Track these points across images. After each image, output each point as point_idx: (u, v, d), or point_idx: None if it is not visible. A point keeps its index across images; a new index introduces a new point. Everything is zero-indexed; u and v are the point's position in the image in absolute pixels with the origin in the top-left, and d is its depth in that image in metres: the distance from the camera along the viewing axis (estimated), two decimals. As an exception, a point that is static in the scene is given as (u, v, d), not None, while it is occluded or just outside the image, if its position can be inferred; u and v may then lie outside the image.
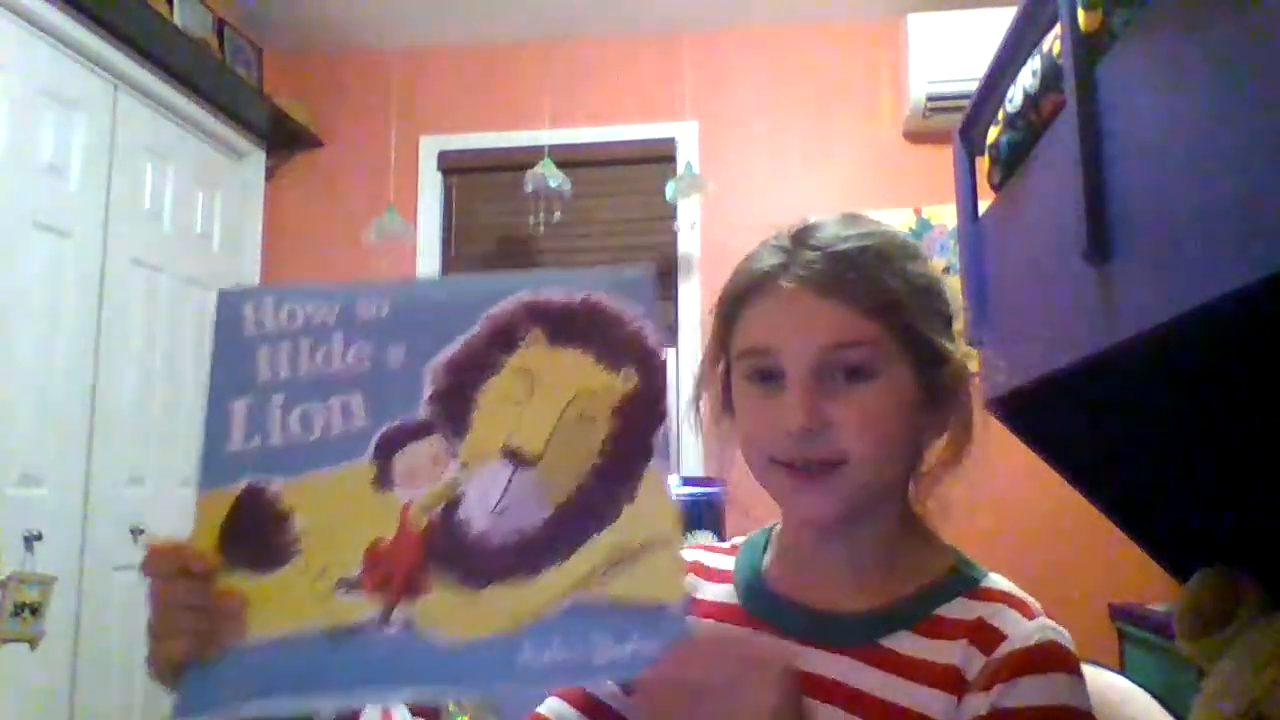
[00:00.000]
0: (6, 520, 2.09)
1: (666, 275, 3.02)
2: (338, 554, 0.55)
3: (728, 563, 0.76)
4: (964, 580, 0.66)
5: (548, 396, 0.57)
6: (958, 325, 0.69)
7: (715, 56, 3.10)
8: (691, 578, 0.76)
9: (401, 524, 0.55)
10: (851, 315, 0.63)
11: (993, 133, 1.46)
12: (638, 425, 0.56)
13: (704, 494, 2.70)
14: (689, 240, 3.00)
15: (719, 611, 0.72)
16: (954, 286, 0.70)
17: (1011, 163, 1.41)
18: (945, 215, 2.85)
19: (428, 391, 0.58)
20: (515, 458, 0.56)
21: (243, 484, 0.56)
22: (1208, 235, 0.82)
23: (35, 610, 2.12)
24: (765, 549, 0.75)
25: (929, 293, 0.66)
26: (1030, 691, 0.59)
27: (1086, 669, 0.77)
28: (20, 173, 2.18)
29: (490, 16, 3.05)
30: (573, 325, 0.59)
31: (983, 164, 1.54)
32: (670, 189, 2.83)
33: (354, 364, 0.59)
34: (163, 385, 2.66)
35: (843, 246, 0.65)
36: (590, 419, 0.57)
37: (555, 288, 0.60)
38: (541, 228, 2.97)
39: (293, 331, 0.60)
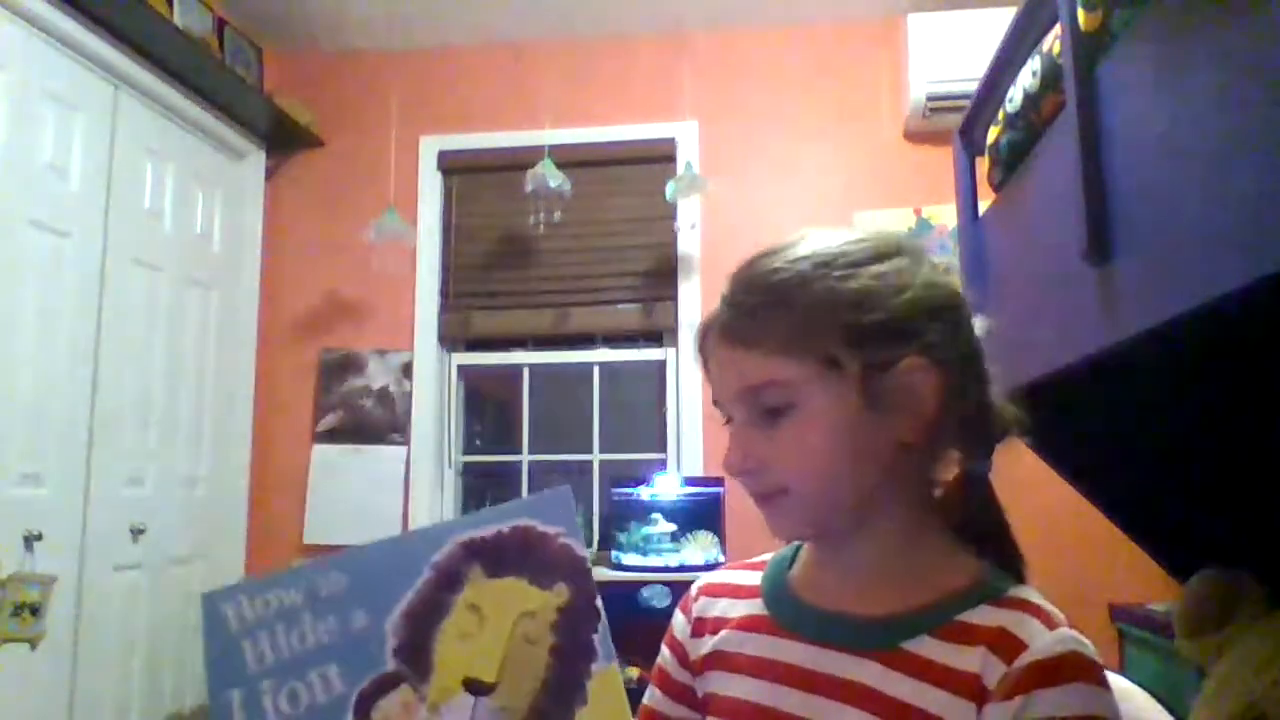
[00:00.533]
0: (6, 520, 2.09)
1: (667, 275, 3.02)
2: None
3: (756, 578, 0.79)
4: (989, 589, 0.66)
5: (495, 625, 0.64)
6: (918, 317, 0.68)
7: (715, 56, 3.10)
8: (727, 601, 0.79)
9: None
10: (757, 359, 0.67)
11: (993, 133, 1.46)
12: (577, 632, 0.63)
13: (704, 494, 2.70)
14: (689, 240, 3.00)
15: (749, 623, 0.74)
16: (898, 282, 0.68)
17: (1011, 163, 1.41)
18: (945, 215, 2.85)
19: (391, 645, 0.64)
20: (474, 689, 0.62)
21: None
22: (1208, 235, 0.82)
23: (35, 610, 2.12)
24: (793, 561, 0.77)
25: (835, 311, 0.66)
26: (1051, 703, 0.59)
27: None
28: (20, 173, 2.18)
29: (490, 17, 3.05)
30: (505, 555, 0.66)
31: (983, 164, 1.54)
32: (670, 189, 2.83)
33: (325, 637, 0.66)
34: (163, 385, 2.66)
35: (743, 295, 0.68)
36: (535, 639, 0.63)
37: (486, 525, 0.67)
38: (541, 228, 2.97)
39: (269, 619, 0.67)
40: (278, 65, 3.20)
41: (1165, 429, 1.40)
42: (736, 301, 0.69)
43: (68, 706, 2.25)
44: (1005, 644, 0.61)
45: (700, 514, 2.67)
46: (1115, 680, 0.75)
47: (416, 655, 0.64)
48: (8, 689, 2.07)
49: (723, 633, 0.76)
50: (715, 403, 0.73)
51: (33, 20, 2.21)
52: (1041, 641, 0.61)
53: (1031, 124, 1.32)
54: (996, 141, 1.44)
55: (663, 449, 3.01)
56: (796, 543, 0.79)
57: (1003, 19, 1.40)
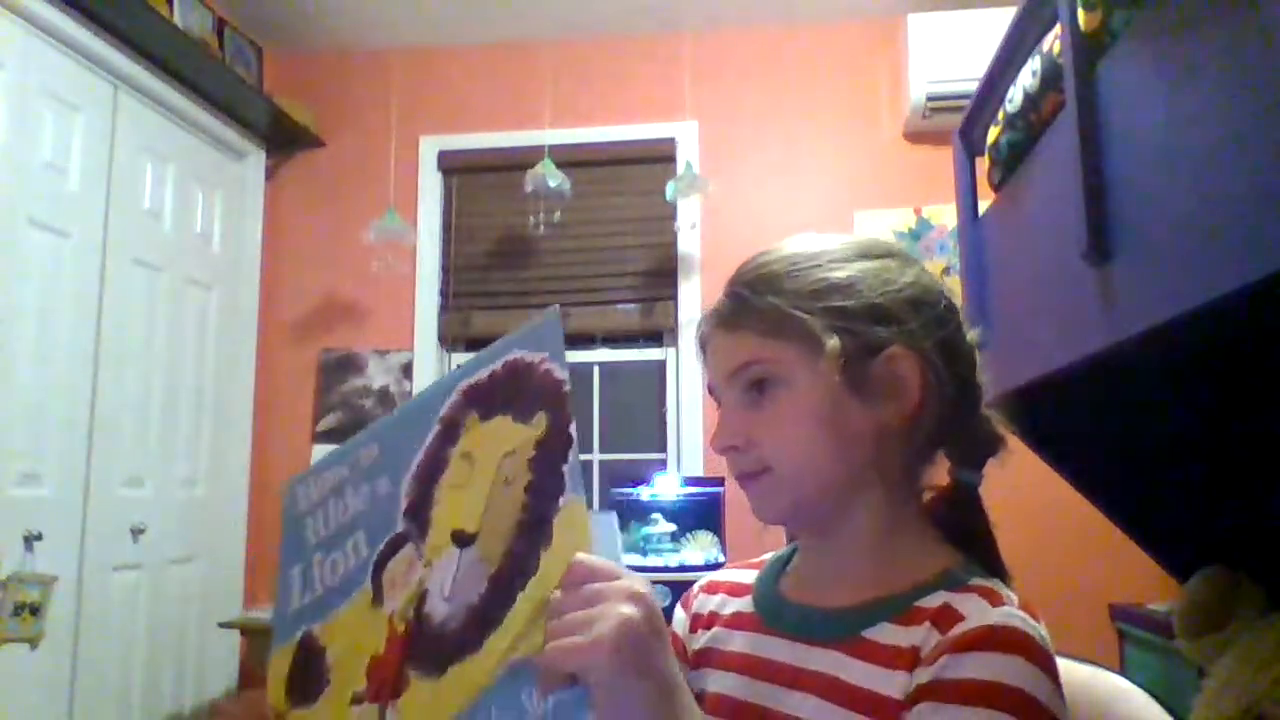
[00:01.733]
0: (6, 520, 2.09)
1: (667, 275, 3.02)
2: (351, 674, 0.61)
3: (753, 577, 0.80)
4: (953, 578, 0.66)
5: (482, 472, 0.60)
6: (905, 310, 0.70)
7: (715, 56, 3.10)
8: (722, 597, 0.80)
9: (389, 633, 0.60)
10: (747, 340, 0.70)
11: (993, 133, 1.46)
12: (550, 466, 0.59)
13: (704, 494, 2.70)
14: (689, 240, 3.00)
15: (738, 620, 0.76)
16: (878, 274, 0.70)
17: (1011, 163, 1.41)
18: (945, 215, 2.85)
19: (403, 505, 0.64)
20: (459, 541, 0.59)
21: (298, 636, 0.65)
22: (1208, 235, 0.82)
23: (35, 610, 2.12)
24: (788, 561, 0.79)
25: (820, 296, 0.68)
26: (970, 665, 0.58)
27: (1085, 669, 0.76)
28: (20, 173, 2.18)
29: (490, 17, 3.05)
30: (496, 394, 0.63)
31: (983, 164, 1.54)
32: (670, 189, 2.83)
33: (359, 505, 0.67)
34: (163, 385, 2.66)
35: (739, 284, 0.71)
36: (512, 479, 0.59)
37: (484, 366, 0.64)
38: (541, 228, 2.97)
39: (324, 496, 0.69)
40: (278, 65, 3.20)
41: (1165, 429, 1.40)
42: (731, 291, 0.72)
43: (68, 706, 2.25)
44: (945, 617, 0.62)
45: (700, 514, 2.67)
46: (1114, 680, 0.75)
47: (419, 513, 0.62)
48: (8, 689, 2.07)
49: (714, 629, 0.77)
50: (710, 390, 0.75)
51: (33, 20, 2.21)
52: (981, 614, 0.61)
53: (1031, 124, 1.32)
54: (996, 141, 1.44)
55: (663, 449, 3.01)
56: (794, 545, 0.79)
57: (1003, 19, 1.40)
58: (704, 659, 0.76)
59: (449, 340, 3.13)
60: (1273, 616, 1.30)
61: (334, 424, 3.06)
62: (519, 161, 2.95)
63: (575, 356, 3.11)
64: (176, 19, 2.59)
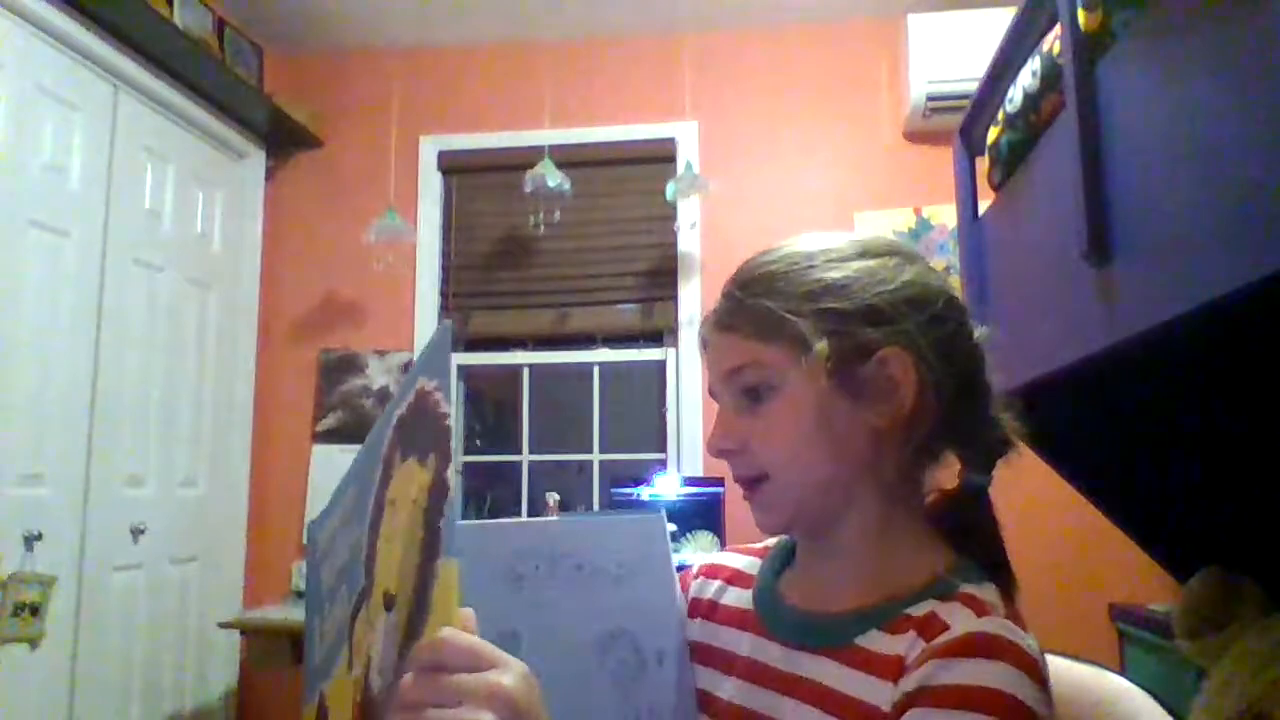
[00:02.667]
0: (6, 520, 2.09)
1: (667, 275, 3.02)
2: None
3: (755, 567, 0.80)
4: (944, 585, 0.65)
5: (401, 523, 0.52)
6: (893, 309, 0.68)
7: (715, 56, 3.10)
8: (720, 584, 0.80)
9: (353, 704, 0.55)
10: (739, 342, 0.69)
11: (993, 133, 1.46)
12: (434, 519, 0.49)
13: (704, 494, 2.70)
14: (689, 240, 3.00)
15: (737, 616, 0.76)
16: (874, 273, 0.69)
17: (1011, 163, 1.40)
18: (945, 215, 2.85)
19: (363, 556, 0.57)
20: (386, 604, 0.52)
21: (316, 698, 0.63)
22: (1208, 235, 0.82)
23: (35, 610, 2.12)
24: (790, 557, 0.78)
25: (816, 298, 0.67)
26: (955, 672, 0.57)
27: (1086, 668, 0.76)
28: (20, 173, 2.18)
29: (490, 17, 3.05)
30: (407, 430, 0.55)
31: (983, 164, 1.54)
32: (670, 189, 2.83)
33: (344, 554, 0.62)
34: (163, 385, 2.66)
35: (735, 286, 0.71)
36: (412, 532, 0.50)
37: (405, 392, 0.56)
38: (541, 228, 2.97)
39: (331, 539, 0.66)
40: (278, 65, 3.20)
41: (1165, 429, 1.39)
42: (728, 292, 0.72)
43: (68, 706, 2.25)
44: (931, 626, 0.62)
45: (700, 514, 2.67)
46: (1115, 681, 0.75)
47: (370, 566, 0.55)
48: (8, 689, 2.07)
49: (715, 624, 0.77)
50: (711, 392, 0.74)
51: (33, 20, 2.21)
52: (965, 624, 0.61)
53: (1031, 124, 1.32)
54: (996, 141, 1.44)
55: (663, 449, 3.01)
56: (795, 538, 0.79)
57: (1003, 19, 1.40)
58: (708, 657, 0.75)
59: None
60: (1273, 617, 1.30)
61: (334, 424, 3.06)
62: (519, 161, 2.95)
63: (575, 356, 3.11)
64: (176, 19, 2.59)
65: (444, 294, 3.13)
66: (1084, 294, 1.08)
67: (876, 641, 0.64)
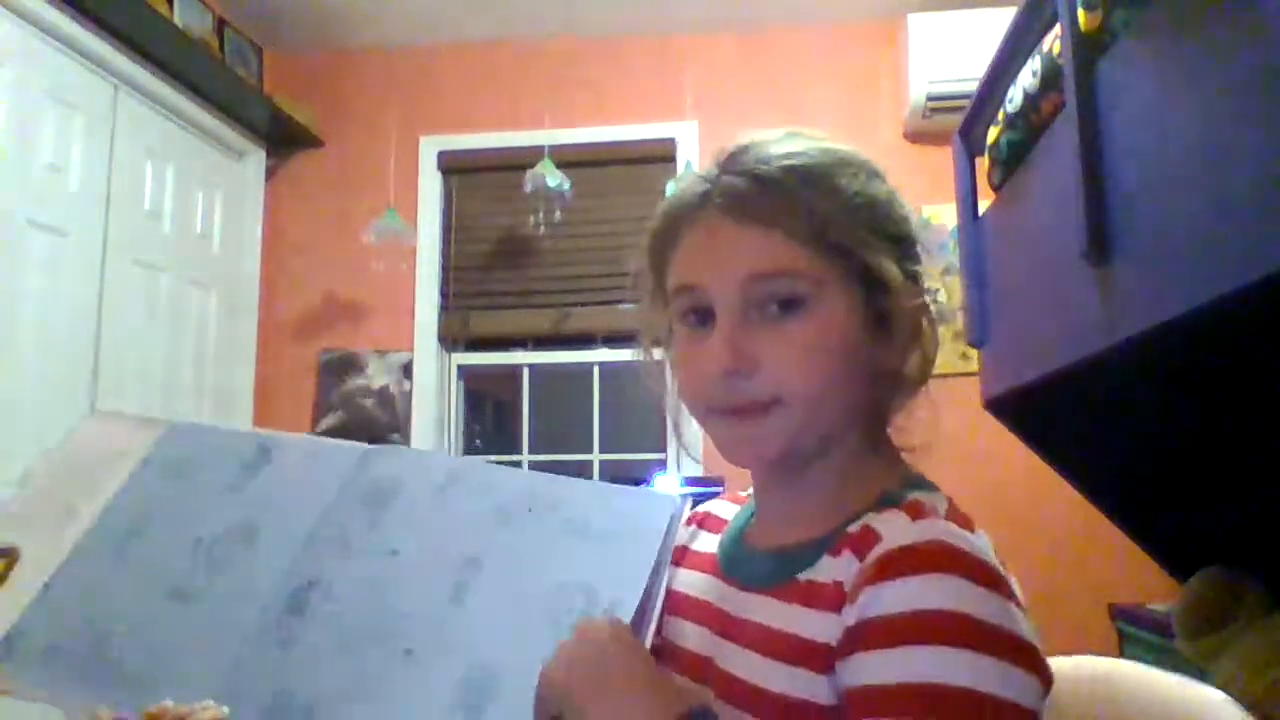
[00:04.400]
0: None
1: (666, 275, 3.02)
2: None
3: (733, 513, 0.75)
4: (890, 497, 0.58)
5: None
6: (923, 248, 0.65)
7: (715, 56, 3.10)
8: (693, 529, 0.77)
9: None
10: (776, 242, 0.58)
11: (993, 133, 1.46)
12: None
13: (704, 494, 2.70)
14: (689, 240, 3.00)
15: (700, 561, 0.72)
16: (905, 205, 0.64)
17: (1011, 163, 1.41)
18: (945, 215, 2.85)
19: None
20: None
21: None
22: (1208, 235, 0.82)
23: None
24: None
25: (871, 211, 0.60)
26: (894, 598, 0.50)
27: (1174, 677, 0.70)
28: (20, 173, 2.18)
29: (491, 17, 3.05)
30: None
31: (983, 164, 1.55)
32: (670, 189, 2.82)
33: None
34: (163, 385, 2.66)
35: (766, 168, 0.60)
36: None
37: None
38: (541, 228, 2.97)
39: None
40: (278, 65, 3.20)
41: (1166, 429, 1.40)
42: (756, 173, 0.60)
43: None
44: (863, 542, 0.55)
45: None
46: (1194, 689, 0.69)
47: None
48: (8, 689, 2.06)
49: (682, 568, 0.73)
50: (687, 288, 0.62)
51: (33, 20, 2.21)
52: (898, 532, 0.54)
53: (1031, 124, 1.32)
54: (996, 141, 1.44)
55: (663, 449, 3.01)
56: None
57: (1003, 19, 1.40)
58: (676, 604, 0.71)
59: (449, 340, 3.13)
60: (1273, 616, 1.30)
61: (334, 424, 3.06)
62: (519, 161, 2.95)
63: (575, 356, 3.11)
64: (176, 19, 2.59)
65: (444, 294, 3.13)
66: (1084, 294, 1.08)
67: (819, 570, 0.58)
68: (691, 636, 0.67)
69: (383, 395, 3.06)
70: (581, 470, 3.10)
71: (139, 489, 0.76)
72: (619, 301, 3.04)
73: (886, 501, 0.58)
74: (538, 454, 3.15)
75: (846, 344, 0.59)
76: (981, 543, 0.53)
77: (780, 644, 0.57)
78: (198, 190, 2.87)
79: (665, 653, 0.68)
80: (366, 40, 3.19)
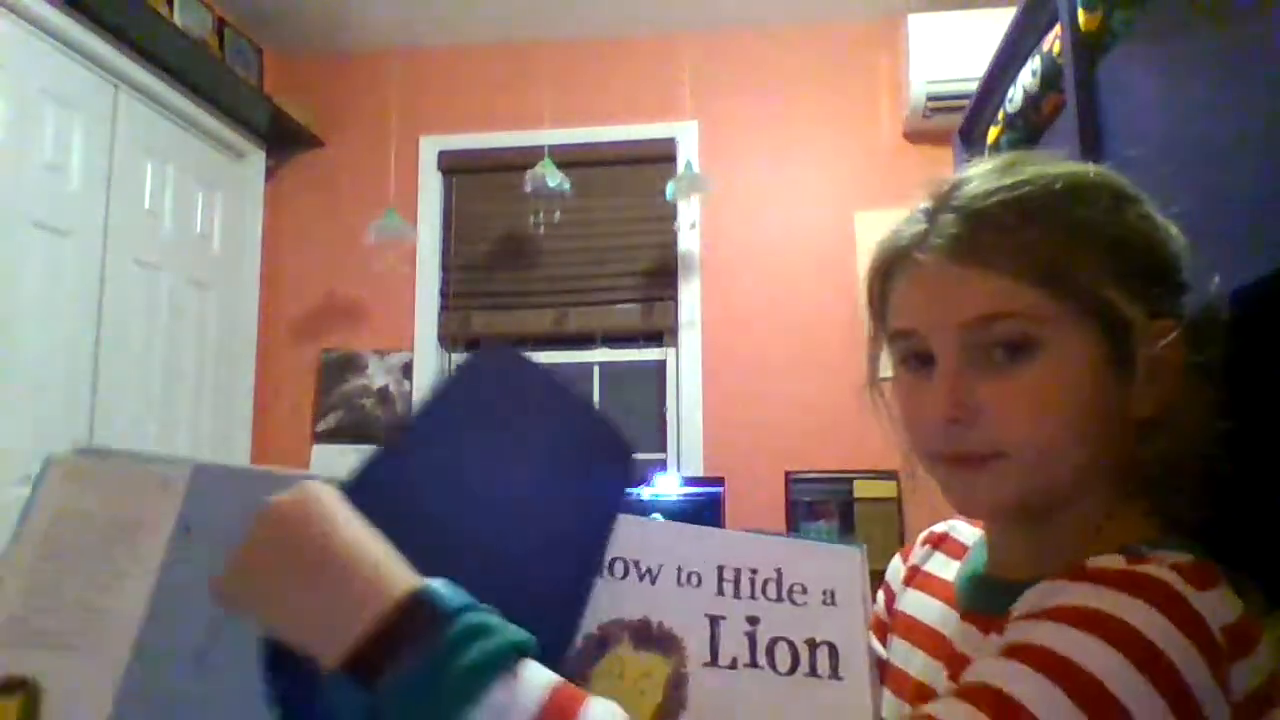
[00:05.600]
0: (6, 520, 2.09)
1: (667, 275, 3.02)
2: None
3: (974, 538, 0.70)
4: (1128, 551, 0.52)
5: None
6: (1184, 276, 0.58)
7: (715, 56, 3.10)
8: (928, 549, 0.73)
9: None
10: (997, 282, 0.54)
11: (993, 133, 1.46)
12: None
13: (704, 494, 2.70)
14: (689, 240, 3.00)
15: (934, 585, 0.69)
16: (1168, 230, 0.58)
17: (1011, 163, 1.40)
18: (945, 215, 2.84)
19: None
20: None
21: None
22: (1207, 235, 0.82)
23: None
24: None
25: (1109, 241, 0.55)
26: (1080, 594, 0.47)
27: None
28: (20, 173, 2.18)
29: (490, 17, 3.05)
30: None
31: (982, 164, 1.54)
32: (670, 189, 2.83)
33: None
34: (162, 386, 2.66)
35: (984, 204, 0.56)
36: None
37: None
38: (541, 228, 2.97)
39: None
40: (278, 65, 3.20)
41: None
42: (974, 210, 0.56)
43: (68, 706, 2.24)
44: (1075, 572, 0.51)
45: (700, 514, 2.66)
46: None
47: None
48: (8, 689, 2.06)
49: (911, 588, 0.71)
50: (906, 333, 0.59)
51: (33, 20, 2.21)
52: (1104, 560, 0.50)
53: (1031, 124, 1.32)
54: (996, 141, 1.44)
55: (663, 449, 3.01)
56: None
57: (1003, 19, 1.40)
58: (897, 623, 0.69)
59: (449, 340, 3.13)
60: (1273, 616, 1.30)
61: (334, 424, 3.06)
62: (519, 161, 2.95)
63: (575, 356, 3.11)
64: (176, 19, 2.59)
65: (444, 294, 3.13)
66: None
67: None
68: (916, 664, 0.64)
69: (383, 395, 3.06)
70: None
71: (189, 565, 0.57)
72: (619, 301, 3.04)
73: (1121, 552, 0.52)
74: (538, 454, 3.14)
75: (1082, 391, 0.54)
76: (1209, 602, 0.47)
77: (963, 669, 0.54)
78: (198, 190, 2.87)
79: (886, 672, 0.67)
80: (367, 40, 3.19)
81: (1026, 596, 0.50)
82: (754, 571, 0.61)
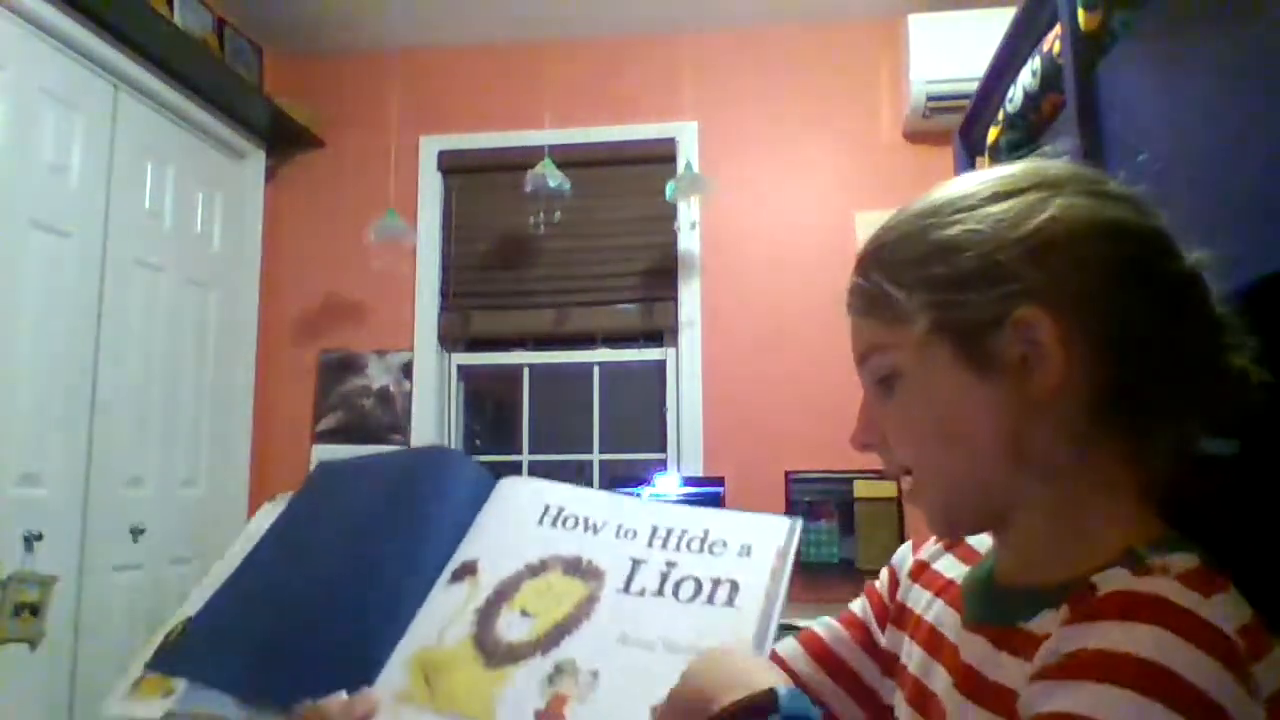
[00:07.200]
0: (6, 520, 2.09)
1: (667, 275, 3.02)
2: None
3: (986, 546, 0.70)
4: (1132, 558, 0.51)
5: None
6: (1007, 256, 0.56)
7: (715, 56, 3.10)
8: (938, 548, 0.74)
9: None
10: (860, 325, 0.62)
11: (993, 133, 1.46)
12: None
13: (704, 494, 2.70)
14: (689, 240, 3.00)
15: (944, 586, 0.70)
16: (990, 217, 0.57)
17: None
18: (945, 215, 2.84)
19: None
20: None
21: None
22: (1207, 235, 0.82)
23: (35, 610, 2.12)
24: None
25: (940, 258, 0.57)
26: (1086, 637, 0.45)
27: None
28: (20, 173, 2.18)
29: (491, 17, 3.05)
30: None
31: (983, 164, 1.54)
32: (670, 189, 2.83)
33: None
34: (163, 386, 2.66)
35: (859, 261, 0.64)
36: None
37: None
38: (541, 228, 2.97)
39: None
40: (278, 65, 3.20)
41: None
42: (855, 267, 0.64)
43: (68, 706, 2.25)
44: (1083, 597, 0.49)
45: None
46: None
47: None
48: (8, 689, 2.07)
49: (917, 584, 0.72)
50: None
51: (33, 20, 2.21)
52: (1119, 582, 0.48)
53: (1031, 124, 1.32)
54: (996, 141, 1.44)
55: (663, 449, 3.01)
56: None
57: (1003, 19, 1.40)
58: (901, 619, 0.72)
59: (449, 340, 3.13)
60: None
61: (334, 424, 3.06)
62: (519, 161, 2.95)
63: (575, 356, 3.11)
64: (176, 19, 2.59)
65: (444, 294, 3.13)
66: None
67: (1038, 624, 0.53)
68: (915, 659, 0.68)
69: (383, 395, 3.06)
70: (582, 470, 3.10)
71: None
72: (619, 301, 3.04)
73: (1129, 562, 0.51)
74: (538, 454, 3.15)
75: (940, 402, 0.57)
76: (1218, 609, 0.46)
77: (986, 691, 0.55)
78: (198, 190, 2.87)
79: (887, 661, 0.72)
80: (367, 40, 3.19)
81: (1046, 646, 0.48)
82: (684, 531, 0.75)
